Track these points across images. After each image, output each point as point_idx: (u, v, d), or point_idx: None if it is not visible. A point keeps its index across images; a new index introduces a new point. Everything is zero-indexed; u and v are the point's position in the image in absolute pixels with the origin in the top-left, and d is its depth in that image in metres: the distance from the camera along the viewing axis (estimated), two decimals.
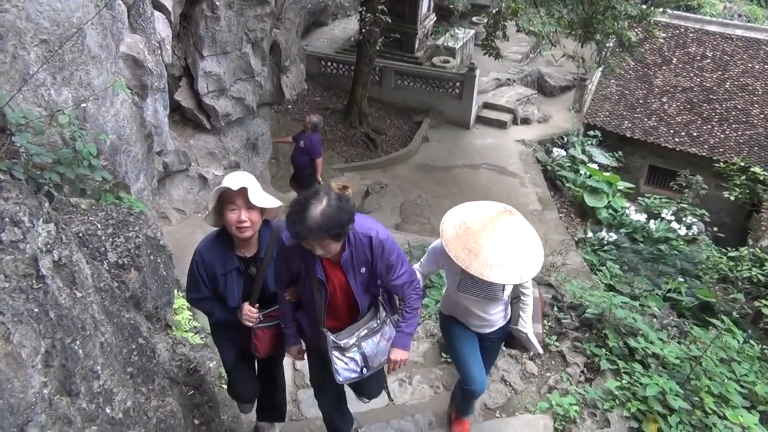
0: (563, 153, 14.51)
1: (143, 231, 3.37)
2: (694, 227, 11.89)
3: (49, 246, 2.03)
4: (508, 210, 2.96)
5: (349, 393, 3.37)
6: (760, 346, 4.75)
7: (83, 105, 4.17)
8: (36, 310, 1.84)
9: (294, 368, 4.53)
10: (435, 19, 17.32)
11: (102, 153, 4.17)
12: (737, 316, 6.98)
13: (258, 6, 9.09)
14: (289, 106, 13.93)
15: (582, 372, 4.51)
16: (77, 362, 1.99)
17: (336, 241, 2.55)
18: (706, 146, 14.97)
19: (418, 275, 3.21)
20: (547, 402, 4.12)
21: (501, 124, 15.24)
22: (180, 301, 4.38)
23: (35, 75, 3.69)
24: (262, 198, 2.75)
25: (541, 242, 3.01)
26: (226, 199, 2.71)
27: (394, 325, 3.01)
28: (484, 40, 12.52)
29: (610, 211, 12.74)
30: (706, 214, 12.25)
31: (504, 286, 3.13)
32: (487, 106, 15.70)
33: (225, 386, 3.91)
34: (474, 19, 18.08)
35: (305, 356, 3.19)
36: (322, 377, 3.12)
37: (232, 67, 9.25)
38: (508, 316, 3.41)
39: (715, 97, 15.55)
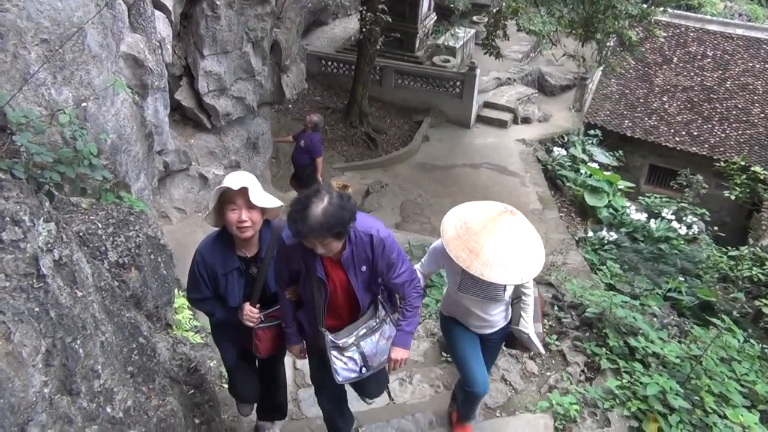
0: (564, 152, 14.51)
1: (144, 230, 3.37)
2: (695, 226, 11.89)
3: (49, 245, 2.03)
4: (509, 210, 2.95)
5: (351, 392, 3.37)
6: (760, 345, 4.75)
7: (84, 104, 4.18)
8: (37, 309, 1.84)
9: (294, 367, 4.53)
10: (435, 18, 17.31)
11: (102, 152, 4.17)
12: (737, 315, 6.98)
13: (258, 5, 9.09)
14: (290, 106, 13.93)
15: (582, 371, 4.51)
16: (78, 361, 2.00)
17: (337, 240, 2.55)
18: (706, 145, 14.97)
19: (419, 275, 3.21)
20: (547, 401, 4.12)
21: (501, 124, 15.24)
22: (180, 300, 4.39)
23: (36, 74, 3.70)
24: (263, 198, 2.74)
25: (542, 242, 2.99)
26: (227, 198, 2.71)
27: (394, 323, 2.99)
28: (484, 40, 12.52)
29: (611, 210, 12.74)
30: (707, 213, 12.26)
31: (505, 286, 3.11)
32: (487, 105, 15.70)
33: (225, 385, 3.92)
34: (474, 18, 18.08)
35: (306, 355, 3.19)
36: (323, 376, 3.12)
37: (233, 67, 9.25)
38: (509, 317, 3.40)
39: (715, 97, 15.54)
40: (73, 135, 3.17)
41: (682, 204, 12.45)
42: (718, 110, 15.35)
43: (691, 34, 16.47)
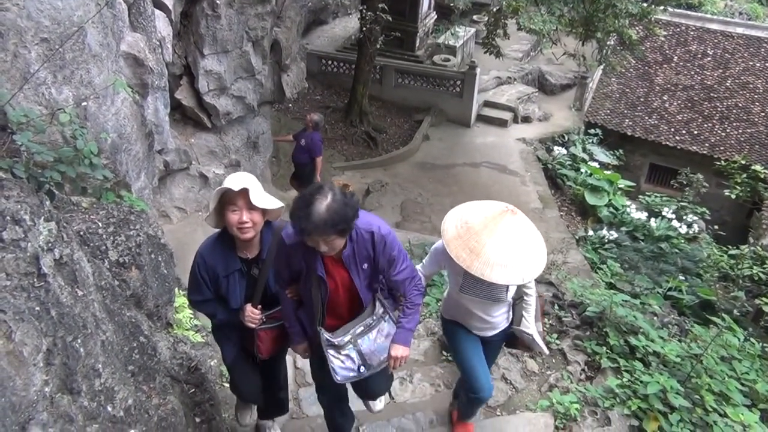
0: (564, 151, 14.50)
1: (144, 229, 3.37)
2: (695, 225, 11.89)
3: (50, 244, 2.03)
4: (510, 209, 2.93)
5: (351, 391, 3.36)
6: (760, 344, 4.75)
7: (84, 103, 4.17)
8: (37, 308, 1.84)
9: (295, 366, 4.54)
10: (435, 17, 17.31)
11: (103, 151, 4.17)
12: (738, 314, 6.98)
13: (259, 4, 9.08)
14: (290, 105, 13.93)
15: (583, 370, 4.51)
16: (78, 360, 2.00)
17: (341, 237, 2.53)
18: (706, 144, 14.96)
19: (420, 275, 3.19)
20: (547, 400, 4.13)
21: (502, 123, 15.23)
22: (181, 299, 4.39)
23: (36, 73, 3.69)
24: (264, 199, 2.73)
25: (543, 242, 2.97)
26: (228, 200, 2.69)
27: (394, 321, 2.96)
28: (484, 39, 12.52)
29: (611, 209, 12.74)
30: (707, 212, 12.26)
31: (507, 286, 3.09)
32: (487, 104, 15.69)
33: (226, 384, 3.92)
34: (475, 17, 18.06)
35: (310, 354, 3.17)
36: (323, 375, 3.10)
37: (233, 66, 9.24)
38: (510, 319, 3.38)
39: (716, 96, 15.53)
40: (74, 134, 3.16)
41: (682, 203, 12.45)
42: (719, 109, 15.35)
43: (692, 33, 16.47)
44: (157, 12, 6.44)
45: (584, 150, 14.76)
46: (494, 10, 12.49)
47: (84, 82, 4.17)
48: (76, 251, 2.23)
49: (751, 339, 4.83)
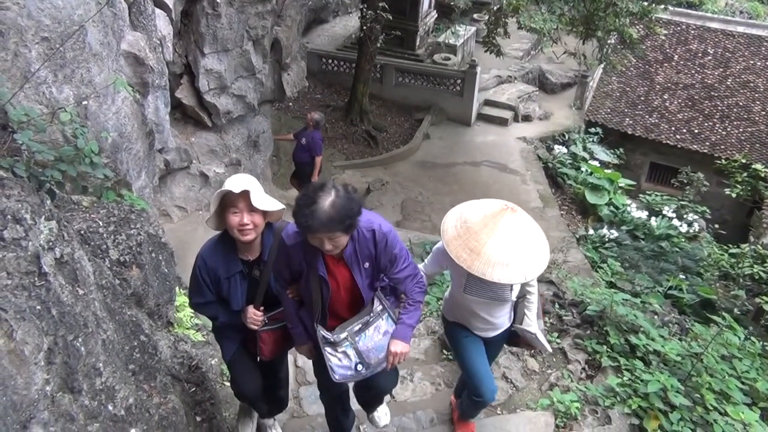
0: (564, 150, 14.50)
1: (145, 228, 3.38)
2: (696, 224, 11.89)
3: (51, 243, 2.03)
4: (509, 207, 2.90)
5: (351, 392, 3.36)
6: (761, 342, 4.75)
7: (84, 102, 4.17)
8: (38, 307, 1.84)
9: (296, 365, 4.54)
10: (436, 16, 17.29)
11: (103, 150, 4.17)
12: (738, 313, 6.98)
13: (259, 3, 9.07)
14: (290, 104, 13.93)
15: (583, 369, 4.52)
16: (79, 359, 2.00)
17: (346, 234, 2.52)
18: (707, 143, 14.95)
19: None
20: (548, 399, 4.13)
21: (502, 122, 15.22)
22: (181, 298, 4.39)
23: (37, 73, 3.69)
24: (265, 201, 2.71)
25: (545, 238, 2.94)
26: (228, 202, 2.67)
27: (394, 320, 2.93)
28: (485, 37, 12.51)
29: (612, 208, 12.74)
30: (708, 211, 12.26)
31: (511, 285, 3.06)
32: (488, 103, 15.68)
33: (227, 383, 3.92)
34: (475, 16, 18.05)
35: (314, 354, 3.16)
36: (324, 375, 3.11)
37: (233, 65, 9.24)
38: (512, 319, 3.37)
39: (716, 94, 15.52)
40: (74, 133, 3.16)
41: (682, 202, 12.46)
42: (719, 108, 15.33)
43: (692, 32, 16.45)
44: (158, 11, 6.43)
45: (585, 149, 14.76)
46: (495, 8, 12.49)
47: (84, 81, 4.17)
48: (77, 250, 2.24)
49: (752, 338, 4.84)
